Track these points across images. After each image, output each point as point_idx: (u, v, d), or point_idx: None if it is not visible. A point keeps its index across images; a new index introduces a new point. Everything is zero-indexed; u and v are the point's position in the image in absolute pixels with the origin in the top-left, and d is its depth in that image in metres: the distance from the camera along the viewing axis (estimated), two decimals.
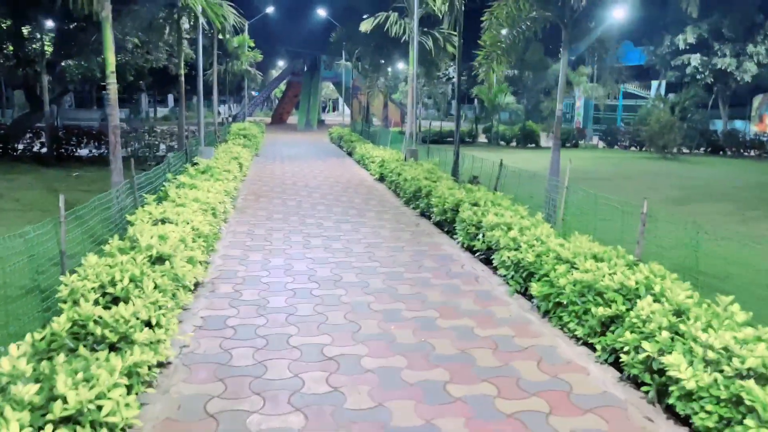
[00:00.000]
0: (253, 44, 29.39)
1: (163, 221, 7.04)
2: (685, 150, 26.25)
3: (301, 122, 44.33)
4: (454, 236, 8.88)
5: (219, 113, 22.94)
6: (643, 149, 28.44)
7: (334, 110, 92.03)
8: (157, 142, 19.60)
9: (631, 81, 36.36)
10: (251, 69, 30.32)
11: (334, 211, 11.27)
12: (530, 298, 6.25)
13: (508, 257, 6.57)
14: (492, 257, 7.34)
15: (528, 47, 30.17)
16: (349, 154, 22.65)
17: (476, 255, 7.95)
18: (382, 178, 15.46)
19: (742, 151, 26.25)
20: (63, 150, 19.08)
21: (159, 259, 5.49)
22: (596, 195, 8.23)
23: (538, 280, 5.95)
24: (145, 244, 5.35)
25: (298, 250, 8.30)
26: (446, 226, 9.44)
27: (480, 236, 7.88)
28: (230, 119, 29.84)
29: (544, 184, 11.29)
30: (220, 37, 27.73)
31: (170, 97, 58.26)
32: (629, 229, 7.73)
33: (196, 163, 12.42)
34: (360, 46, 24.95)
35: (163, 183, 9.32)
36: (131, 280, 4.71)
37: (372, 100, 28.98)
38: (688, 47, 28.63)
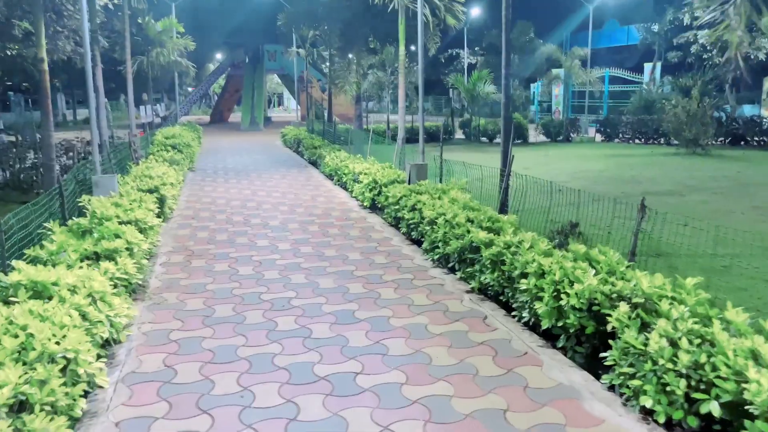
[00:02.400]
0: (182, 29, 24.01)
1: None
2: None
3: (245, 121, 38.93)
4: (622, 388, 4.24)
5: (137, 116, 17.62)
6: (651, 142, 24.64)
7: (279, 105, 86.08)
8: (49, 162, 14.15)
9: (616, 64, 32.69)
10: (182, 60, 24.88)
11: (323, 290, 6.49)
12: None
13: None
14: None
15: (514, 25, 25.91)
16: (313, 163, 17.75)
17: None
18: (374, 205, 10.77)
19: (767, 140, 22.76)
20: None
21: None
22: None
23: None
24: None
25: None
26: (570, 339, 4.81)
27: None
28: (159, 121, 24.34)
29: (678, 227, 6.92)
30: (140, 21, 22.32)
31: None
32: None
33: (84, 211, 7.40)
34: (322, 25, 19.95)
35: None
36: None
37: (335, 95, 24.17)
38: (693, 23, 24.96)
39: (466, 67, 35.34)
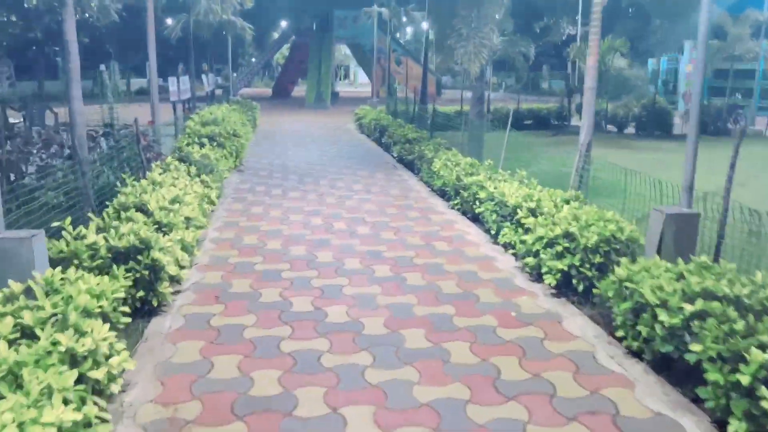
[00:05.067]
0: None
1: None
2: None
3: (311, 97, 34.05)
4: None
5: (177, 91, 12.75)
6: None
7: (345, 78, 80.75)
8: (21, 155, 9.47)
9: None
10: (237, 20, 20.06)
11: None
12: None
13: None
14: None
15: None
16: (407, 164, 12.52)
17: None
18: (566, 280, 5.46)
19: None
20: None
21: None
22: None
23: None
24: None
25: None
26: None
27: None
28: (207, 94, 19.64)
29: None
30: None
31: (148, 65, 47.44)
32: None
33: None
34: None
35: None
36: None
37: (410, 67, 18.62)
38: None
39: (578, 37, 29.14)
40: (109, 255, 4.81)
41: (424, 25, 47.41)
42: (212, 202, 8.23)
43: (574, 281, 5.29)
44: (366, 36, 37.17)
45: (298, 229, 7.75)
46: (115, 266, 4.67)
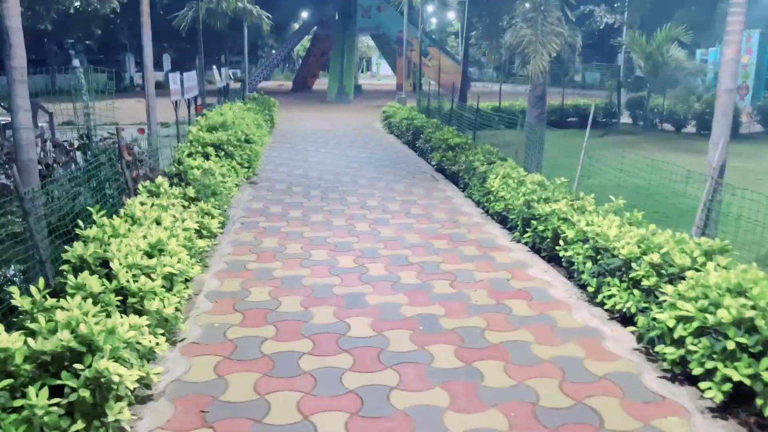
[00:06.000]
0: None
1: None
2: None
3: (332, 91, 32.20)
4: None
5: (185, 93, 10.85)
6: None
7: (367, 71, 78.52)
8: None
9: None
10: (253, 8, 18.22)
11: None
12: None
13: None
14: None
15: None
16: (450, 176, 10.58)
17: None
18: (684, 369, 3.54)
19: None
20: None
21: None
22: None
23: None
24: None
25: None
26: None
27: None
28: (222, 88, 17.89)
29: None
30: None
31: (166, 58, 46.06)
32: None
33: None
34: None
35: None
36: None
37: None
38: None
39: (624, 26, 26.83)
40: (29, 367, 3.02)
41: (450, 15, 45.40)
42: (213, 235, 6.43)
43: (759, 401, 3.36)
44: (391, 25, 35.23)
45: (322, 274, 5.91)
46: (31, 388, 2.90)
